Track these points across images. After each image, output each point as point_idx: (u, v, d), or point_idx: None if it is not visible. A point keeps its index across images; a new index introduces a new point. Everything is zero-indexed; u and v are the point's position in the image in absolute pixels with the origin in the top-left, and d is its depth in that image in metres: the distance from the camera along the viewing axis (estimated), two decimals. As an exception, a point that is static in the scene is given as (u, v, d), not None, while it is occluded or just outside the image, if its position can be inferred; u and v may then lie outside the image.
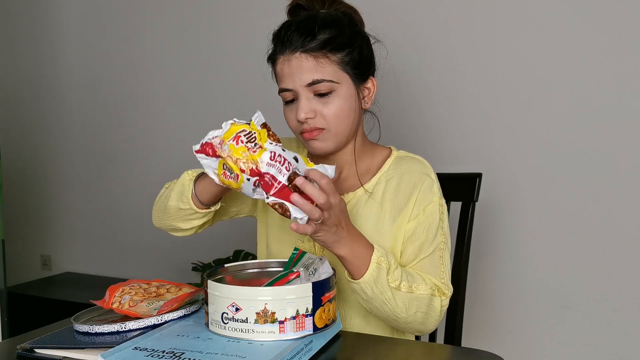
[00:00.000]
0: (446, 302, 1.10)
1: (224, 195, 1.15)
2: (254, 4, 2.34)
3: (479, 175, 1.40)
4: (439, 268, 1.12)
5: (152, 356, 0.82)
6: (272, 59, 1.12)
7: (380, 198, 1.15)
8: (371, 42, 1.16)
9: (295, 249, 1.06)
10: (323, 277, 0.95)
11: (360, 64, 1.10)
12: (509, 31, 1.94)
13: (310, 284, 0.90)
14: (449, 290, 1.11)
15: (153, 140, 2.70)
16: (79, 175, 2.93)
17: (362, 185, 1.17)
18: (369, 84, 1.14)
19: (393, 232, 1.14)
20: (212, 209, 1.12)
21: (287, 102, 1.11)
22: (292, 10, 1.16)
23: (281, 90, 1.10)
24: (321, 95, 1.07)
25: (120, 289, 1.06)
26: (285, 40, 1.07)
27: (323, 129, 1.08)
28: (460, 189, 1.39)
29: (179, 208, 1.13)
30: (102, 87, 2.82)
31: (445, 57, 2.03)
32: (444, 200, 1.16)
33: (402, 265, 1.14)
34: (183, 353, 0.83)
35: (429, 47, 2.04)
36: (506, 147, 1.96)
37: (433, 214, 1.13)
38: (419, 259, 1.12)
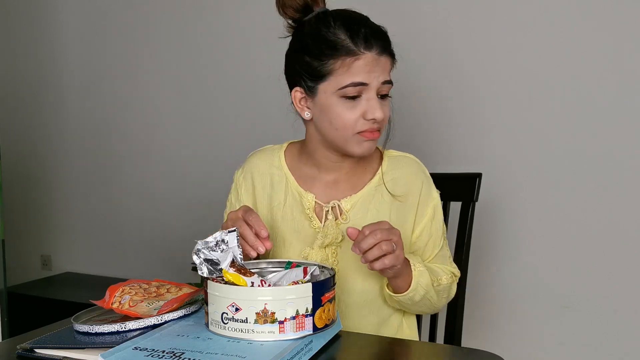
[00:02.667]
0: (457, 280, 1.23)
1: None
2: (255, 4, 2.34)
3: (479, 175, 1.40)
4: (448, 256, 1.22)
5: (152, 356, 0.82)
6: (348, 52, 1.07)
7: (384, 197, 1.17)
8: None
9: (289, 263, 1.06)
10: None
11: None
12: (509, 31, 1.94)
13: (310, 284, 0.90)
14: (458, 272, 1.23)
15: (153, 140, 2.70)
16: (79, 175, 2.93)
17: (382, 178, 1.18)
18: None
19: (402, 229, 1.13)
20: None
21: (348, 98, 1.08)
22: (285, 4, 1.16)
23: (350, 85, 1.07)
24: (383, 97, 1.10)
25: (120, 289, 1.06)
26: (369, 39, 1.07)
27: (380, 127, 1.12)
28: (460, 189, 1.39)
29: None
30: (102, 87, 2.82)
31: (444, 57, 2.03)
32: (438, 191, 1.22)
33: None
34: (183, 353, 0.83)
35: (428, 47, 2.04)
36: (506, 147, 1.96)
37: (437, 209, 1.20)
38: (434, 254, 1.20)
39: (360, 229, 0.98)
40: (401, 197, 1.17)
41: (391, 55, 1.11)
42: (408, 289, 1.07)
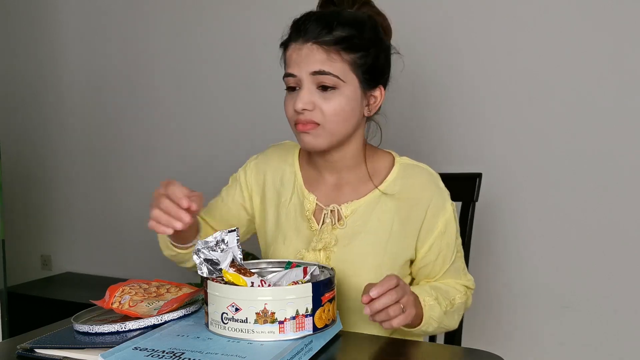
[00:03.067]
0: (472, 292, 1.22)
1: (215, 215, 1.22)
2: (255, 4, 2.34)
3: (479, 175, 1.40)
4: (462, 268, 1.20)
5: (152, 356, 0.82)
6: (285, 45, 1.10)
7: (388, 207, 1.13)
8: (391, 53, 1.15)
9: (289, 263, 1.06)
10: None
11: (372, 70, 1.09)
12: (510, 31, 1.94)
13: (310, 284, 0.90)
14: (473, 284, 1.21)
15: (153, 139, 2.70)
16: (79, 175, 2.93)
17: (376, 187, 1.14)
18: (377, 93, 1.12)
19: (404, 242, 1.14)
20: (195, 241, 1.10)
21: (289, 89, 1.09)
22: (323, 5, 1.16)
23: (286, 75, 1.08)
24: (324, 88, 1.05)
25: (120, 289, 1.06)
26: (302, 29, 1.06)
27: (318, 124, 1.06)
28: (460, 189, 1.39)
29: (171, 255, 1.16)
30: (102, 86, 2.82)
31: (445, 56, 2.03)
32: (453, 204, 1.17)
33: (431, 276, 1.18)
34: (183, 353, 0.83)
35: (428, 47, 2.04)
36: (506, 147, 1.96)
37: (449, 224, 1.15)
38: (445, 269, 1.17)
39: (368, 292, 0.92)
40: (405, 211, 1.13)
41: (327, 42, 1.04)
42: (420, 322, 1.05)
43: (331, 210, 1.14)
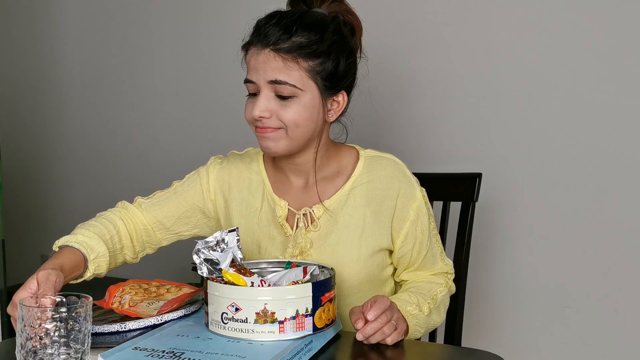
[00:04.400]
0: (453, 277, 1.21)
1: (175, 216, 1.22)
2: (255, 5, 2.34)
3: (479, 175, 1.40)
4: (439, 252, 1.20)
5: (152, 356, 0.82)
6: (245, 47, 1.10)
7: (358, 202, 1.13)
8: (357, 56, 1.13)
9: (288, 263, 1.06)
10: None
11: (333, 76, 1.07)
12: (509, 30, 1.94)
13: (310, 284, 0.90)
14: (452, 269, 1.21)
15: (153, 140, 2.70)
16: (79, 175, 2.93)
17: (343, 184, 1.14)
18: (339, 98, 1.10)
19: (378, 233, 1.13)
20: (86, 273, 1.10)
21: (250, 95, 1.09)
22: (292, 3, 1.14)
23: (246, 81, 1.09)
24: (282, 97, 1.04)
25: (120, 289, 1.06)
26: (261, 33, 1.05)
27: (278, 128, 1.06)
28: (460, 189, 1.39)
29: None
30: (102, 86, 2.82)
31: (444, 56, 2.03)
32: (422, 189, 1.17)
33: (408, 266, 1.18)
34: (183, 353, 0.83)
35: (427, 47, 2.04)
36: (506, 147, 1.96)
37: (420, 210, 1.14)
38: (421, 257, 1.16)
39: (362, 314, 0.94)
40: (375, 203, 1.13)
41: (283, 50, 1.02)
42: (406, 332, 1.04)
43: (303, 214, 1.13)
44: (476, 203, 1.40)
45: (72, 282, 1.07)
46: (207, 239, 0.97)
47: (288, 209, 1.15)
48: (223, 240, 0.97)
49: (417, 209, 1.14)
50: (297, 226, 1.13)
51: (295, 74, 1.03)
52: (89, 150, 2.88)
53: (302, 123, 1.05)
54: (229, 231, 0.98)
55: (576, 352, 1.91)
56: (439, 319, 1.14)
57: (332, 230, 1.13)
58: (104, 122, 2.83)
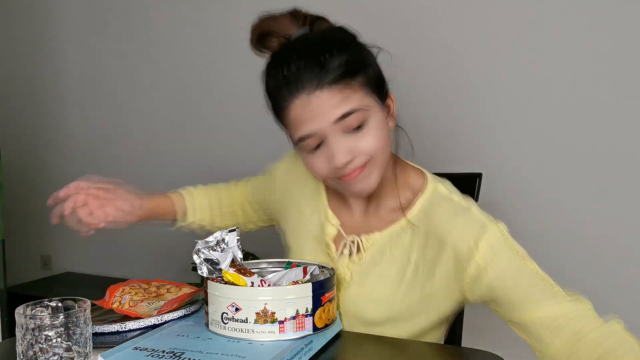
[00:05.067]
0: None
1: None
2: (256, 5, 2.34)
3: (479, 175, 1.40)
4: (548, 284, 1.00)
5: (152, 356, 0.82)
6: (282, 108, 0.93)
7: (407, 243, 1.00)
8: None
9: (289, 263, 1.06)
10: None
11: (377, 81, 0.96)
12: (509, 30, 1.94)
13: (310, 284, 0.90)
14: (583, 295, 0.99)
15: (153, 140, 2.70)
16: (79, 175, 2.92)
17: (403, 216, 1.00)
18: (389, 100, 1.00)
19: (428, 280, 0.98)
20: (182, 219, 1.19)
21: (313, 150, 0.94)
22: (260, 40, 0.99)
23: (303, 139, 0.92)
24: (353, 130, 0.91)
25: (120, 289, 1.06)
26: (295, 81, 0.90)
27: (366, 162, 0.93)
28: (460, 189, 1.39)
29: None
30: (102, 86, 2.82)
31: (445, 56, 2.03)
32: (500, 224, 1.00)
33: (525, 317, 0.98)
34: (183, 353, 0.83)
35: (429, 47, 2.04)
36: (506, 147, 1.96)
37: (497, 253, 0.97)
38: (528, 295, 0.98)
39: None
40: (429, 246, 0.98)
41: (333, 80, 0.88)
42: None
43: (351, 241, 1.04)
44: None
45: (159, 221, 1.22)
46: (207, 239, 0.97)
47: (339, 229, 1.06)
48: (223, 240, 0.97)
49: (488, 245, 0.96)
50: (342, 253, 1.05)
51: (354, 97, 0.90)
52: (89, 150, 2.88)
53: (383, 144, 0.94)
54: (229, 231, 0.98)
55: (576, 352, 1.91)
56: None
57: (375, 267, 1.01)
58: (103, 122, 2.83)
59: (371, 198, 1.05)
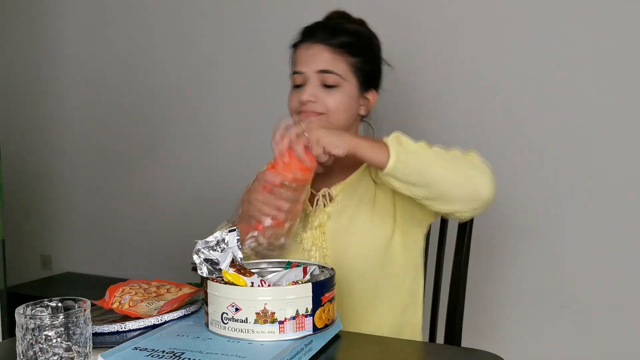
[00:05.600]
0: (479, 155, 1.14)
1: None
2: (256, 5, 2.34)
3: (479, 175, 1.39)
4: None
5: (152, 356, 0.82)
6: (295, 46, 1.24)
7: (368, 179, 1.24)
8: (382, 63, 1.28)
9: (288, 263, 1.06)
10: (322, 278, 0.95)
11: (369, 75, 1.23)
12: (509, 30, 1.94)
13: (310, 284, 0.90)
14: (481, 159, 1.15)
15: (153, 140, 2.70)
16: (79, 175, 2.93)
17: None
18: (370, 96, 1.25)
19: (387, 202, 1.21)
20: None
21: (295, 87, 1.21)
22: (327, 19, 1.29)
23: (294, 73, 1.22)
24: (327, 86, 1.18)
25: (120, 289, 1.06)
26: (311, 33, 1.21)
27: (322, 113, 1.18)
28: (460, 189, 1.39)
29: None
30: (102, 86, 2.82)
31: (444, 56, 2.03)
32: None
33: None
34: (183, 353, 0.83)
35: (428, 46, 2.04)
36: (506, 146, 1.96)
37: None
38: None
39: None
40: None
41: (333, 45, 1.18)
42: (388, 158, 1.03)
43: (322, 195, 1.24)
44: (476, 203, 1.39)
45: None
46: (207, 239, 0.97)
47: (310, 191, 1.22)
48: (223, 240, 0.97)
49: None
50: (316, 204, 1.24)
51: (341, 66, 1.19)
52: (89, 151, 2.88)
53: (342, 110, 1.19)
54: (229, 231, 0.98)
55: (576, 352, 1.91)
56: (445, 167, 1.06)
57: (348, 205, 1.22)
58: (103, 122, 2.83)
59: (335, 161, 1.16)
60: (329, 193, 1.25)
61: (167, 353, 0.82)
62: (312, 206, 1.25)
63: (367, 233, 1.20)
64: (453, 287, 1.33)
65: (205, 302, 0.94)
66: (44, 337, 0.76)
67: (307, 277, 0.98)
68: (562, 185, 1.90)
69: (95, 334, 0.92)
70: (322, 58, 1.19)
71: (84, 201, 2.92)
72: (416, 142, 1.09)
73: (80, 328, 0.77)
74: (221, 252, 0.97)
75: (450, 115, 2.03)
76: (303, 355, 0.86)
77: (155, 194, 2.71)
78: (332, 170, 1.23)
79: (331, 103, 1.19)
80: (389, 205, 1.22)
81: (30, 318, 0.76)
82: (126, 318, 0.96)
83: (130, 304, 1.01)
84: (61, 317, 0.76)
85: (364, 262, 1.19)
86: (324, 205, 1.24)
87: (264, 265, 1.09)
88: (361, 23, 1.28)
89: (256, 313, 0.87)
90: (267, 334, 0.87)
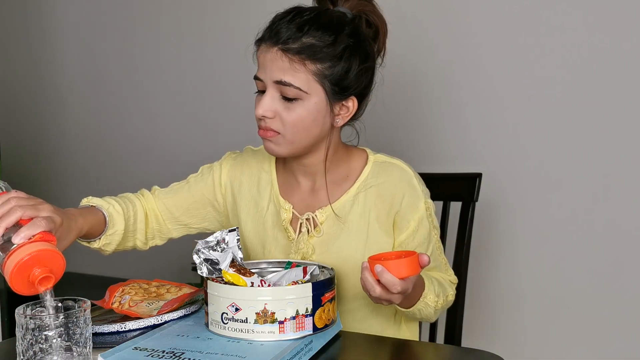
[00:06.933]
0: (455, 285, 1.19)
1: (184, 207, 1.22)
2: (255, 5, 2.34)
3: (479, 175, 1.40)
4: (444, 263, 1.19)
5: (152, 356, 0.82)
6: (258, 43, 1.06)
7: (362, 208, 1.11)
8: (380, 60, 1.12)
9: (288, 263, 1.06)
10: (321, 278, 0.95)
11: (342, 81, 1.03)
12: (509, 30, 1.94)
13: (310, 284, 0.90)
14: (456, 279, 1.20)
15: (153, 139, 2.70)
16: (79, 175, 2.93)
17: (330, 204, 1.12)
18: (349, 103, 1.07)
19: (383, 243, 1.12)
20: (100, 237, 1.16)
21: (259, 92, 1.06)
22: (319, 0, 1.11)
23: (255, 78, 1.06)
24: (287, 99, 1.02)
25: (120, 289, 1.07)
26: (273, 30, 1.02)
27: (278, 132, 1.04)
28: (460, 189, 1.39)
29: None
30: (102, 86, 2.82)
31: (444, 56, 2.03)
32: (429, 200, 1.13)
33: None
34: (183, 353, 0.83)
35: (428, 46, 2.04)
36: (506, 147, 1.96)
37: (421, 223, 1.12)
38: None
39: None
40: (379, 209, 1.11)
41: (291, 51, 0.99)
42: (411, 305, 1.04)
43: (306, 219, 1.12)
44: (476, 203, 1.40)
45: (82, 242, 1.15)
46: (207, 239, 0.97)
47: (292, 212, 1.13)
48: (223, 240, 0.97)
49: (419, 220, 1.11)
50: (300, 231, 1.12)
51: (301, 76, 1.00)
52: (89, 150, 2.88)
53: (303, 126, 1.03)
54: (229, 231, 0.98)
55: (576, 352, 1.91)
56: (434, 317, 1.13)
57: (337, 237, 1.11)
58: (103, 122, 2.83)
59: (316, 175, 1.13)
60: (313, 218, 1.12)
61: (167, 353, 0.82)
62: (294, 232, 1.13)
63: (358, 273, 1.02)
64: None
65: (205, 302, 0.94)
66: (44, 337, 0.76)
67: (307, 277, 0.98)
68: (562, 186, 1.90)
69: (95, 334, 0.92)
70: (278, 66, 1.00)
71: (84, 201, 2.92)
72: (436, 300, 1.07)
73: (80, 328, 0.77)
74: (221, 252, 0.97)
75: (451, 115, 2.03)
76: (303, 355, 0.86)
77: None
78: (316, 186, 1.14)
79: (288, 120, 1.02)
80: (385, 242, 1.12)
81: (30, 318, 0.76)
82: (126, 318, 0.97)
83: (130, 304, 1.01)
84: (61, 317, 0.76)
85: (355, 299, 1.12)
86: (308, 232, 1.12)
87: (264, 265, 1.09)
88: (366, 2, 1.09)
89: (256, 313, 0.87)
90: (267, 334, 0.87)
